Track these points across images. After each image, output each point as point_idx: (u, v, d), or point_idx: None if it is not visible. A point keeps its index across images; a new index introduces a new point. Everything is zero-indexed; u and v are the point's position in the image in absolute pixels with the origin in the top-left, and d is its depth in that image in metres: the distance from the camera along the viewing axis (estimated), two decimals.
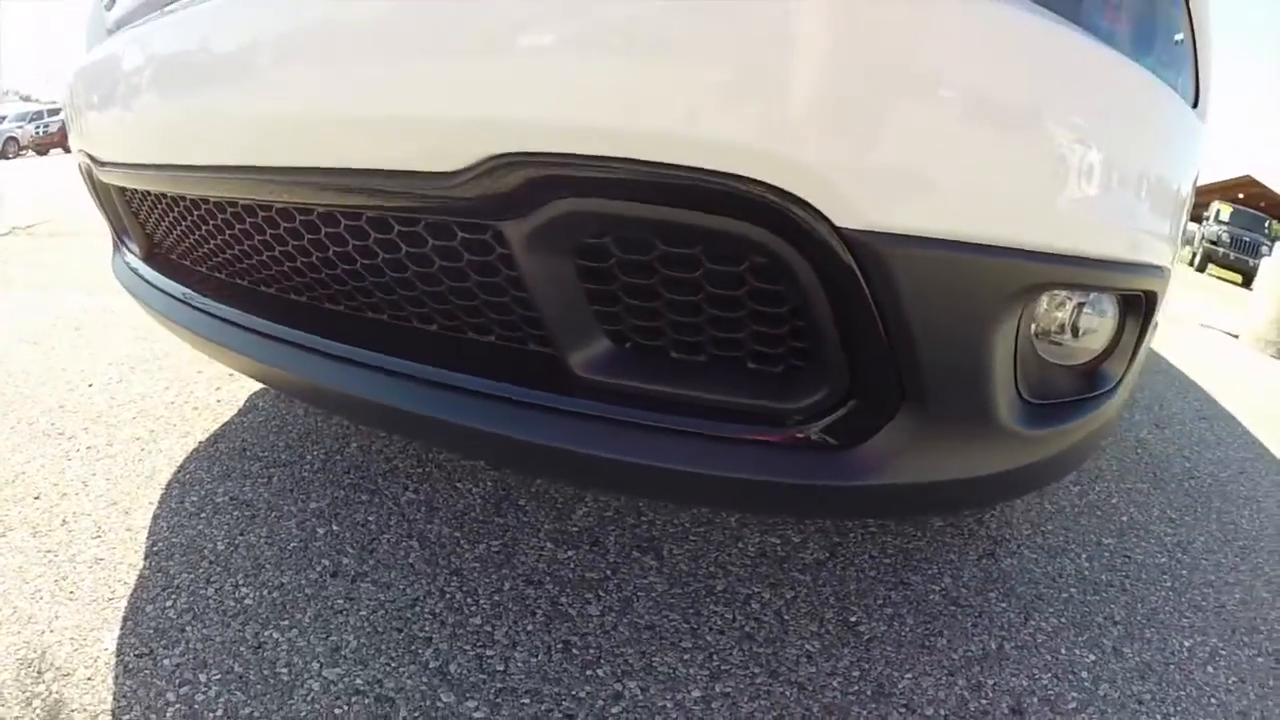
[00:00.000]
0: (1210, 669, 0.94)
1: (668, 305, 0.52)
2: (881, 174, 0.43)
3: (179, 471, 1.22)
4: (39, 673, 0.79)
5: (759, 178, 0.43)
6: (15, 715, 0.74)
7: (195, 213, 0.83)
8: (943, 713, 0.79)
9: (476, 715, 0.74)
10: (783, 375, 0.54)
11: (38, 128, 18.58)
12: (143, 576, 0.97)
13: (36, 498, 1.19)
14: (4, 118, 19.49)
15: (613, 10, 0.42)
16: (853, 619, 0.91)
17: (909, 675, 0.82)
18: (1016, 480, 0.64)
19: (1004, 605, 1.00)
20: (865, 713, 0.76)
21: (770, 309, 0.51)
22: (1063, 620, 0.99)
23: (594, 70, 0.43)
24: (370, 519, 1.06)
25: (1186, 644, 1.00)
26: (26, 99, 39.46)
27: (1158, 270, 0.63)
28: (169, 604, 0.91)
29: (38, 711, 0.74)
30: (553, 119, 0.45)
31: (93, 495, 1.17)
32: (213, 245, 0.84)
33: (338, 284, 0.67)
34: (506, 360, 0.59)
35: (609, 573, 0.94)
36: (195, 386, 1.63)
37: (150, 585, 0.94)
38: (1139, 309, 0.64)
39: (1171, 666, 0.94)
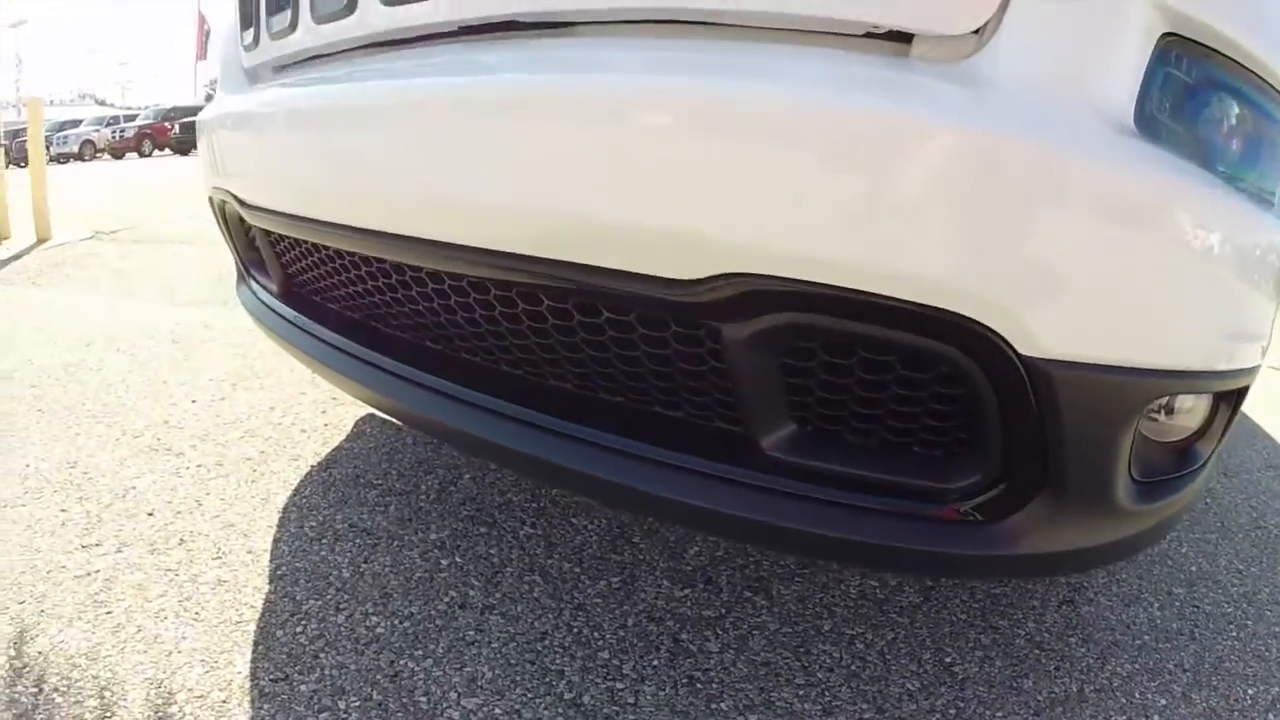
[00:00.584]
0: (1271, 715, 1.01)
1: (857, 399, 0.62)
2: (1057, 315, 0.53)
3: (294, 495, 1.30)
4: (170, 693, 0.85)
5: (960, 311, 0.52)
6: None
7: (367, 269, 0.91)
8: None
9: None
10: (943, 459, 0.64)
11: (114, 133, 19.90)
12: (269, 601, 1.04)
13: (150, 514, 1.26)
14: (80, 121, 20.31)
15: (835, 171, 0.52)
16: (948, 659, 0.98)
17: (1000, 714, 0.90)
18: (1123, 548, 0.73)
19: (1083, 650, 1.08)
20: None
21: (946, 408, 0.61)
22: (1136, 666, 1.07)
23: (821, 212, 0.53)
24: (491, 552, 1.14)
25: (1250, 692, 1.07)
26: (101, 103, 40.25)
27: (1253, 370, 0.73)
28: (299, 630, 0.97)
29: None
30: (784, 249, 0.54)
31: (208, 515, 1.25)
32: (381, 301, 0.92)
33: (523, 352, 0.76)
34: (694, 435, 0.68)
35: (724, 610, 1.02)
36: (300, 408, 1.70)
37: (278, 610, 1.01)
38: (1232, 399, 0.74)
39: (1236, 713, 1.01)
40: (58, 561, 1.08)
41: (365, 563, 1.10)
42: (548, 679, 0.89)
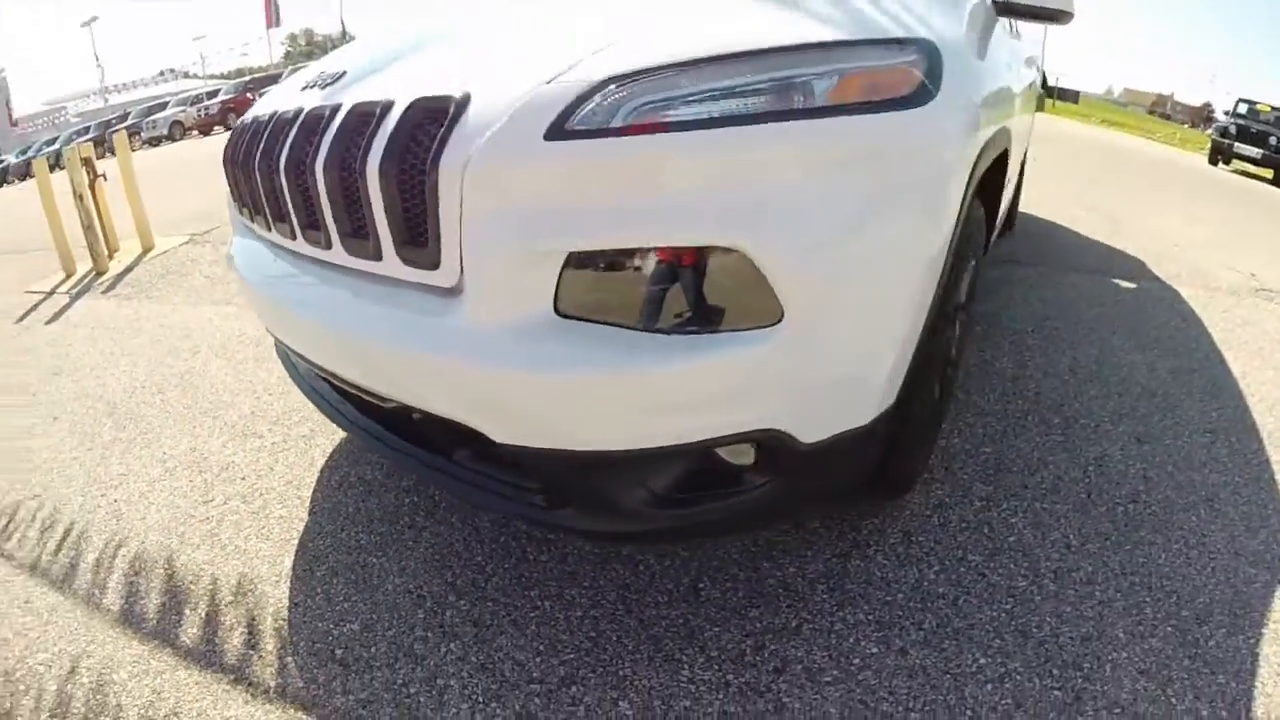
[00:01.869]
0: (989, 688, 1.16)
1: None
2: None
3: (329, 460, 2.01)
4: (251, 579, 1.53)
5: None
6: (220, 616, 1.40)
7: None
8: (722, 658, 1.21)
9: None
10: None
11: (199, 110, 21.14)
12: (307, 526, 1.73)
13: (242, 479, 1.99)
14: (167, 104, 21.89)
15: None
16: (701, 585, 1.37)
17: (716, 629, 1.26)
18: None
19: (825, 596, 1.34)
20: (662, 648, 1.24)
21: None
22: (869, 617, 1.29)
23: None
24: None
25: (980, 661, 1.21)
26: (186, 75, 42.18)
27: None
28: (323, 541, 1.65)
29: (238, 615, 1.42)
30: None
31: (277, 477, 1.97)
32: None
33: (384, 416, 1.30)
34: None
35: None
36: None
37: (311, 531, 1.70)
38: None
39: (948, 675, 1.17)
40: (189, 513, 1.82)
41: (363, 501, 1.78)
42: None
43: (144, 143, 20.23)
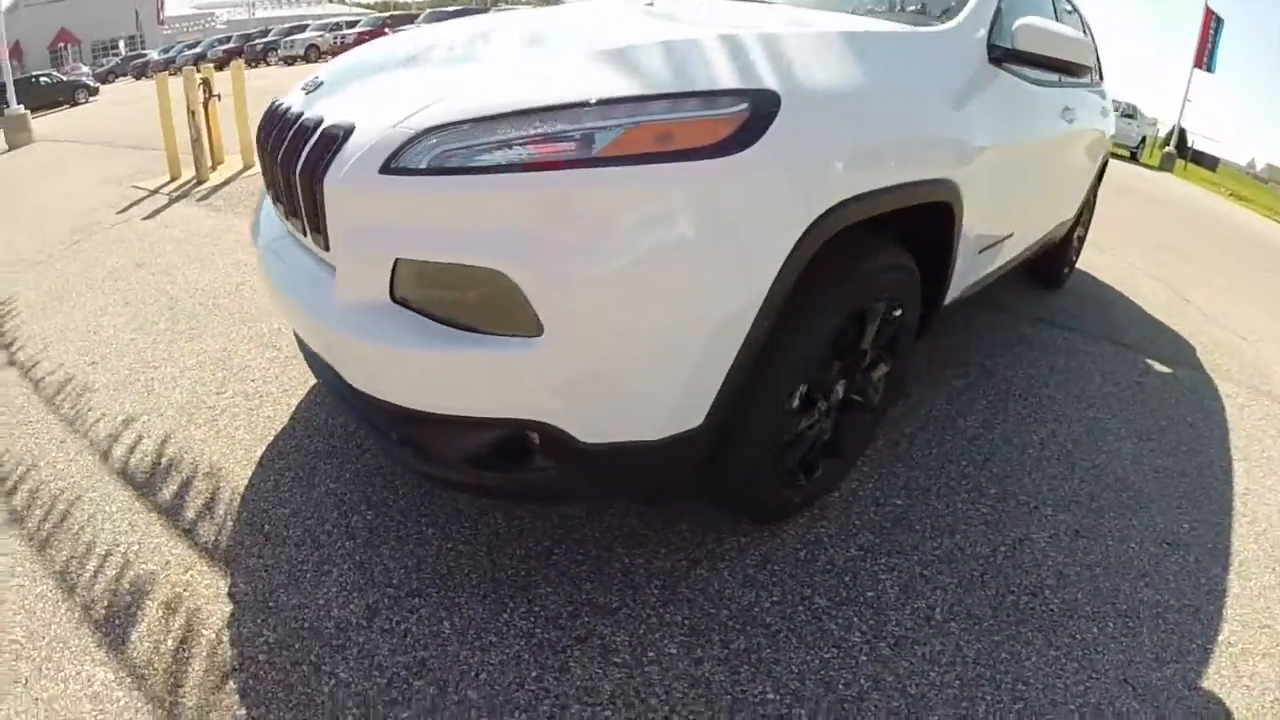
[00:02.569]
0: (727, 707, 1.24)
1: None
2: None
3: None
4: (215, 468, 1.90)
5: None
6: (194, 483, 1.82)
7: None
8: (541, 614, 1.40)
9: None
10: None
11: (336, 38, 22.82)
12: (291, 421, 2.08)
13: (253, 380, 2.37)
14: (306, 27, 23.69)
15: None
16: (554, 551, 1.58)
17: (548, 589, 1.45)
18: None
19: (656, 592, 1.46)
20: (498, 591, 1.42)
21: None
22: (684, 623, 1.39)
23: None
24: None
25: (770, 695, 1.27)
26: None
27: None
28: (304, 436, 1.99)
29: (207, 485, 1.81)
30: None
31: (280, 383, 2.34)
32: None
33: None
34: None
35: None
36: None
37: (294, 424, 2.05)
38: None
39: (728, 697, 1.26)
40: (202, 399, 2.21)
41: (332, 418, 2.12)
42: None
43: (280, 60, 21.74)
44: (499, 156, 1.02)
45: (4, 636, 1.37)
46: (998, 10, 1.98)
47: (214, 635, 1.36)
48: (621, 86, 1.08)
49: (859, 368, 1.71)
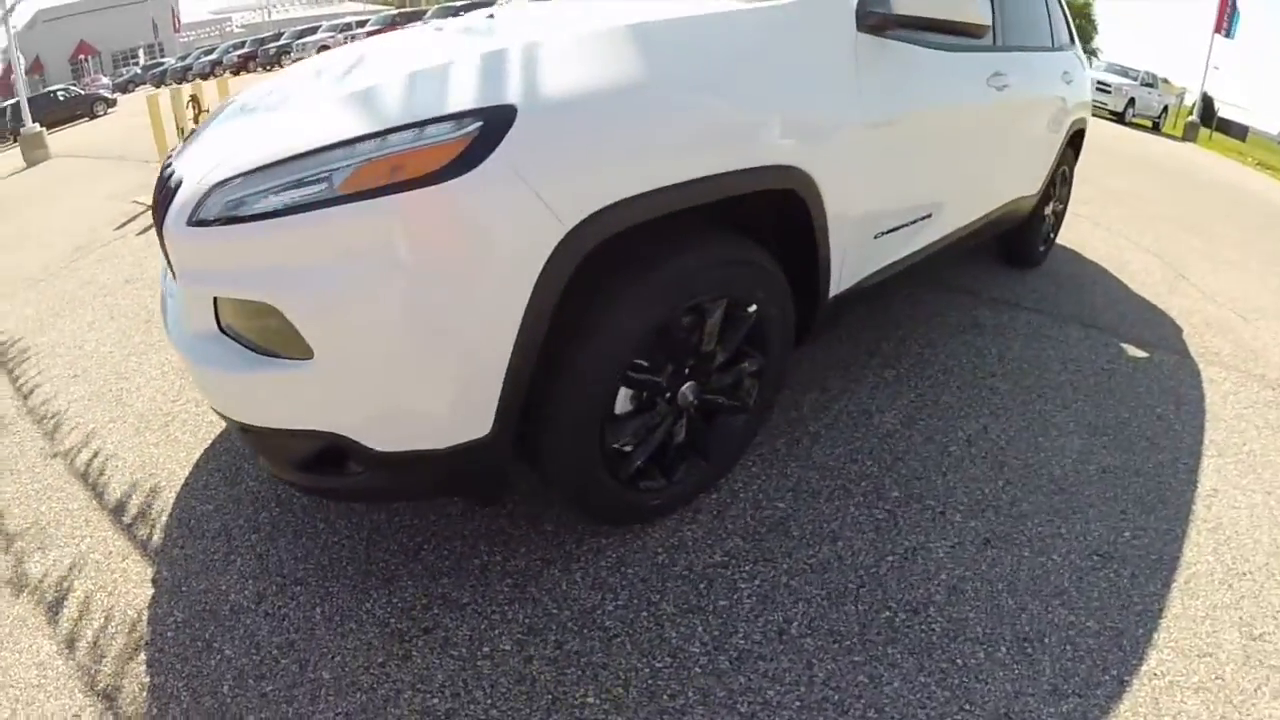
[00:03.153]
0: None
1: None
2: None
3: None
4: (157, 469, 2.14)
5: None
6: (139, 482, 2.07)
7: None
8: (396, 604, 1.52)
9: None
10: None
11: (347, 38, 23.34)
12: (223, 433, 2.31)
13: None
14: (318, 28, 24.41)
15: None
16: (423, 547, 1.70)
17: (409, 581, 1.56)
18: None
19: (506, 590, 1.55)
20: (367, 583, 1.56)
21: None
22: (524, 621, 1.47)
23: None
24: None
25: (590, 699, 1.30)
26: None
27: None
28: (226, 446, 2.23)
29: (151, 484, 2.07)
30: None
31: None
32: None
33: None
34: None
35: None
36: None
37: (224, 437, 2.27)
38: None
39: (549, 696, 1.31)
40: (160, 407, 2.48)
41: None
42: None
43: (293, 62, 22.20)
44: (264, 204, 1.16)
45: None
46: None
47: (135, 615, 1.60)
48: (363, 125, 1.18)
49: (709, 368, 1.69)
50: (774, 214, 1.71)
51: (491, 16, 1.92)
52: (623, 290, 1.40)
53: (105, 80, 30.37)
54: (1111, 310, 3.50)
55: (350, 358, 1.18)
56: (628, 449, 1.61)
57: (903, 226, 2.18)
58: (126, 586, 1.68)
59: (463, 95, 1.20)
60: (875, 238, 2.05)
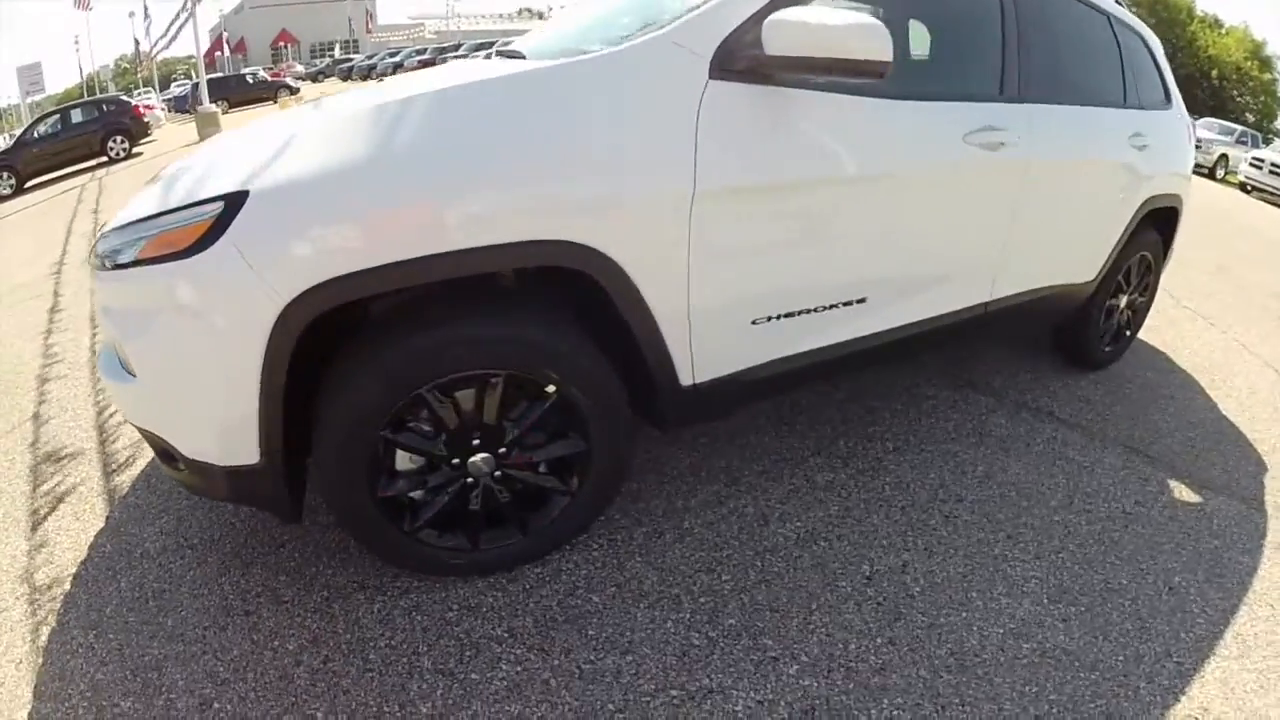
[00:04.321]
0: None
1: None
2: None
3: None
4: (125, 463, 2.57)
5: None
6: (113, 475, 2.46)
7: None
8: (297, 609, 1.67)
9: None
10: None
11: (417, 62, 26.52)
12: None
13: None
14: (399, 51, 29.79)
15: None
16: (286, 545, 1.83)
17: (297, 588, 1.71)
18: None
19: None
20: (279, 588, 1.74)
21: None
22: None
23: None
24: None
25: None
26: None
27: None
28: None
29: (121, 479, 2.47)
30: None
31: None
32: None
33: None
34: None
35: None
36: None
37: None
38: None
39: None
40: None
41: None
42: None
43: (377, 77, 25.58)
44: (110, 259, 1.50)
45: None
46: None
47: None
48: (168, 202, 1.46)
49: (500, 444, 1.66)
50: (593, 292, 1.61)
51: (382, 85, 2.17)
52: (360, 357, 1.54)
53: (300, 68, 34.68)
54: (1176, 435, 2.75)
55: (150, 383, 1.53)
56: (416, 501, 1.70)
57: (805, 313, 1.91)
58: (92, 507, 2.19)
59: (228, 179, 1.41)
60: (753, 323, 1.84)
